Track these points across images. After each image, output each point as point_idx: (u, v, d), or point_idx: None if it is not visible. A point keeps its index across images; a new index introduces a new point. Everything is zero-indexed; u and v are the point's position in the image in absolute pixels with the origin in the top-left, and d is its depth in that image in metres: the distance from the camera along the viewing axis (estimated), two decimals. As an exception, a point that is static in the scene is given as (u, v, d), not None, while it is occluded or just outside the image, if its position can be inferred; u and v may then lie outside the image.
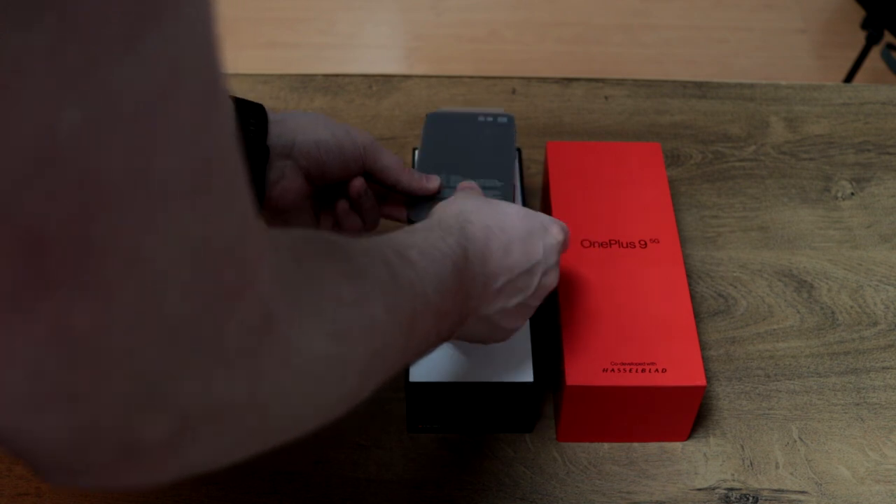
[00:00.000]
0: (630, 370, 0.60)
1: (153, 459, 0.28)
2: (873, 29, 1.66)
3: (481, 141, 0.70)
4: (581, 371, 0.60)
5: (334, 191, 0.65)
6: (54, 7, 0.20)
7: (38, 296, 0.22)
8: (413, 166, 0.71)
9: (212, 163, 0.26)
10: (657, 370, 0.59)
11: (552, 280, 0.55)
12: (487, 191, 0.64)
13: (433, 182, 0.65)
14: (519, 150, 0.74)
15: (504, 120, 0.71)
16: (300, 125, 0.61)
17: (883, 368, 0.69)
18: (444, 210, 0.53)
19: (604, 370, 0.60)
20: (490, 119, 0.71)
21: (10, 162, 0.20)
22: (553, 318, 0.68)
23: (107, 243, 0.23)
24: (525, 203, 0.70)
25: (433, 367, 0.61)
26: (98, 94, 0.21)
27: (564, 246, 0.57)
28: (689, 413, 0.62)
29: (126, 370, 0.25)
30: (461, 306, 0.48)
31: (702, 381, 0.59)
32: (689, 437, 0.64)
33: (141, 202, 0.23)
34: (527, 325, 0.63)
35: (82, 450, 0.26)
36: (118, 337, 0.24)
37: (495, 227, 0.52)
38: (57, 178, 0.21)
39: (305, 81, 0.90)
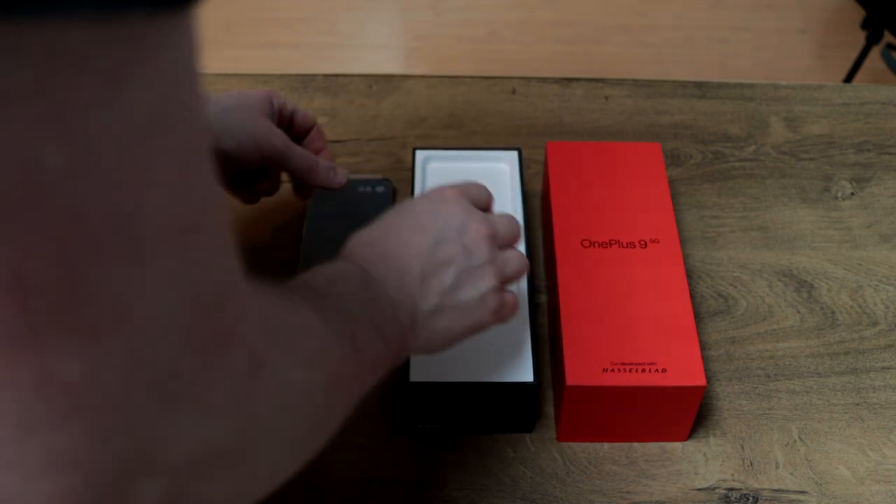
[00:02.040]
0: (630, 370, 0.60)
1: None
2: (873, 29, 1.66)
3: (360, 215, 0.72)
4: (581, 371, 0.60)
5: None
6: (42, 44, 0.20)
7: (25, 342, 0.22)
8: (303, 237, 0.75)
9: (200, 207, 0.25)
10: (657, 370, 0.59)
11: (475, 232, 0.51)
12: None
13: (340, 177, 0.68)
14: (519, 150, 0.75)
15: (381, 189, 0.77)
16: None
17: (883, 368, 0.69)
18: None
19: (604, 370, 0.60)
20: (369, 189, 0.77)
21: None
22: (553, 318, 0.68)
23: (95, 290, 0.22)
24: (525, 203, 0.70)
25: (433, 366, 0.61)
26: (80, 135, 0.21)
27: (469, 193, 0.54)
28: (689, 413, 0.62)
29: (119, 425, 0.24)
30: (396, 312, 0.47)
31: (702, 381, 0.59)
32: (689, 437, 0.64)
33: (129, 248, 0.23)
34: (527, 325, 0.63)
35: None
36: (109, 388, 0.23)
37: (378, 237, 0.51)
38: (39, 221, 0.21)
39: (305, 81, 0.90)
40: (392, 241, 0.50)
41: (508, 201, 0.72)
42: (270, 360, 0.31)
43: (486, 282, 0.51)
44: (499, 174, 0.75)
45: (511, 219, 0.56)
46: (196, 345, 0.26)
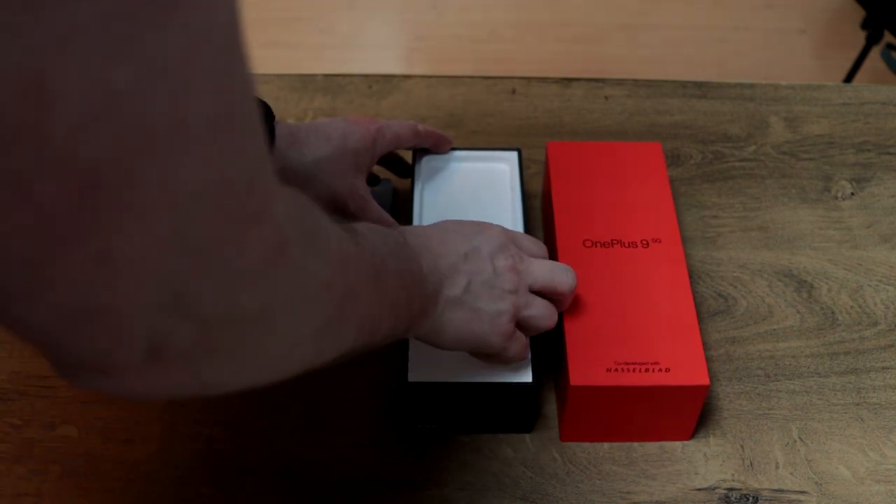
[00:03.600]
0: (633, 370, 0.60)
1: (174, 366, 0.32)
2: (873, 29, 1.66)
3: None
4: (585, 371, 0.60)
5: None
6: None
7: (89, 223, 0.25)
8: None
9: (234, 107, 0.29)
10: (661, 370, 0.59)
11: (504, 265, 0.56)
12: None
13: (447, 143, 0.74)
14: (519, 151, 0.75)
15: (381, 189, 0.77)
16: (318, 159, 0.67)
17: (883, 368, 0.69)
18: None
19: (607, 370, 0.60)
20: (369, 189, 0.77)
21: (69, 112, 0.23)
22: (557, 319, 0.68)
23: (148, 178, 0.26)
24: (525, 203, 0.70)
25: (433, 367, 0.61)
26: (145, 56, 0.24)
27: (516, 238, 0.60)
28: (692, 412, 0.62)
29: (156, 280, 0.28)
30: (424, 282, 0.51)
31: (705, 381, 0.59)
32: (691, 436, 0.64)
33: (177, 142, 0.26)
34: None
35: (108, 349, 0.29)
36: (151, 255, 0.27)
37: (420, 230, 0.56)
38: (112, 127, 0.24)
39: (305, 81, 0.90)
40: (433, 236, 0.55)
41: (508, 201, 0.72)
42: (295, 246, 0.35)
43: (504, 304, 0.56)
44: (499, 174, 0.75)
45: (558, 269, 0.59)
46: (229, 219, 0.30)
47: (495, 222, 0.60)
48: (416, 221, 0.69)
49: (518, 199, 0.70)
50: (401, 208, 0.78)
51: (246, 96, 0.30)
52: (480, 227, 0.58)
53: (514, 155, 0.74)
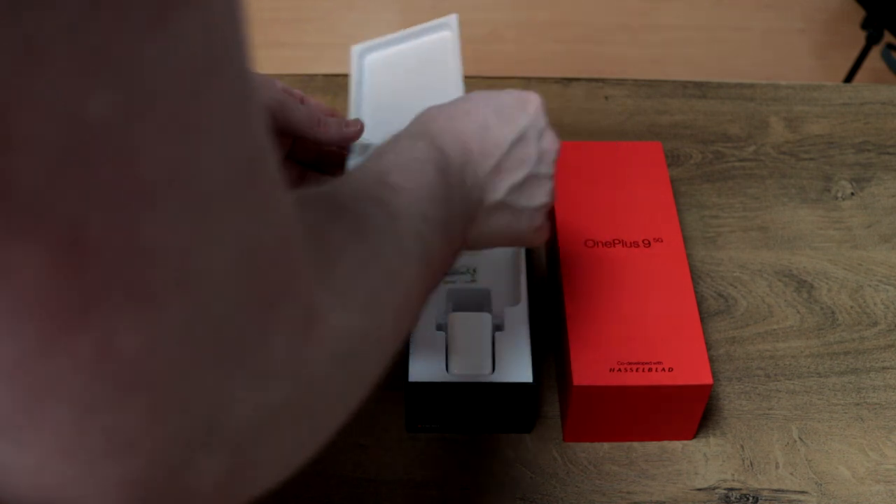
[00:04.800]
0: (636, 369, 0.60)
1: (211, 502, 0.26)
2: (873, 29, 1.66)
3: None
4: (588, 371, 0.60)
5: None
6: None
7: (83, 312, 0.20)
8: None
9: (255, 155, 0.24)
10: (663, 369, 0.59)
11: (550, 142, 0.51)
12: None
13: (353, 126, 0.61)
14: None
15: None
16: None
17: (883, 368, 0.69)
18: (421, 113, 0.50)
19: (610, 370, 0.60)
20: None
21: (37, 155, 0.19)
22: (558, 319, 0.68)
23: (152, 247, 0.21)
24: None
25: (433, 367, 0.61)
26: (127, 80, 0.19)
27: (544, 108, 0.53)
28: (695, 412, 0.62)
29: (179, 397, 0.23)
30: (465, 204, 0.46)
31: (708, 380, 0.59)
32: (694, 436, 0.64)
33: (186, 200, 0.21)
34: (526, 325, 0.63)
35: None
36: (168, 355, 0.22)
37: (460, 113, 0.49)
38: (91, 171, 0.19)
39: (305, 81, 0.90)
40: (475, 121, 0.48)
41: (455, 75, 0.68)
42: (328, 310, 0.29)
43: (545, 195, 0.51)
44: (440, 44, 0.72)
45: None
46: (253, 301, 0.25)
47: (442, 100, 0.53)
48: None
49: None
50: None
51: (265, 139, 0.25)
52: (522, 103, 0.51)
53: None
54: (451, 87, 0.65)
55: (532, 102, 0.51)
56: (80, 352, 0.21)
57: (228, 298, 0.24)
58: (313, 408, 0.30)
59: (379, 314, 0.34)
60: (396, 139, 0.46)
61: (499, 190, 0.48)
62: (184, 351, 0.23)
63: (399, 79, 0.67)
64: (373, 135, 0.63)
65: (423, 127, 0.47)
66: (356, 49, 0.70)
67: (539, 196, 0.51)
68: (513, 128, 0.49)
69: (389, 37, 0.69)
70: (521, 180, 0.49)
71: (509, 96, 0.51)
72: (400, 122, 0.50)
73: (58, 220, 0.19)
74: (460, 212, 0.46)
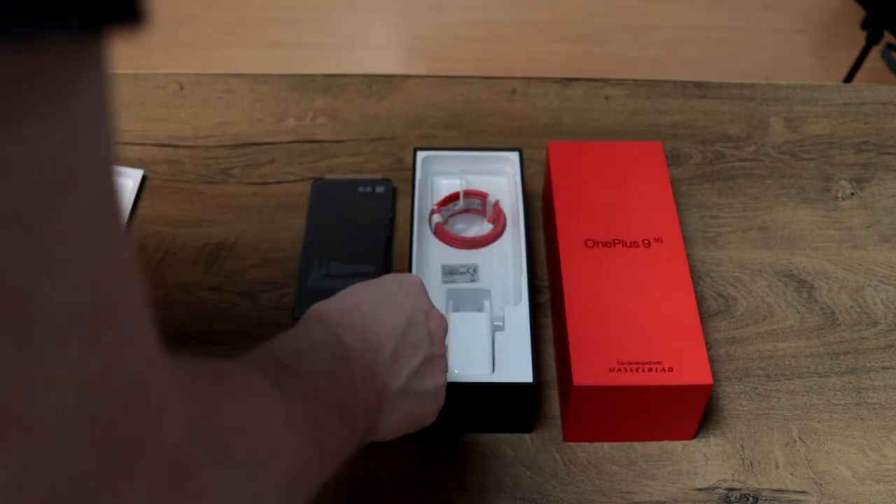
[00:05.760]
0: (636, 369, 0.60)
1: None
2: (873, 29, 1.66)
3: (360, 215, 0.76)
4: (588, 371, 0.60)
5: None
6: None
7: None
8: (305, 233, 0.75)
9: (113, 286, 0.21)
10: (663, 369, 0.59)
11: (437, 321, 0.51)
12: (363, 276, 0.63)
13: None
14: (520, 151, 0.74)
15: (381, 189, 0.78)
16: None
17: (883, 368, 0.69)
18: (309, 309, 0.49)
19: (610, 370, 0.60)
20: (369, 189, 0.78)
21: None
22: (558, 319, 0.68)
23: None
24: (526, 203, 0.70)
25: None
26: None
27: (424, 288, 0.53)
28: (695, 412, 0.62)
29: None
30: (368, 392, 0.45)
31: (708, 380, 0.59)
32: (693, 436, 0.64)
33: (19, 337, 0.18)
34: (527, 325, 0.63)
35: None
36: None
37: (351, 306, 0.48)
38: None
39: (305, 81, 0.90)
40: (366, 312, 0.48)
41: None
42: (201, 466, 0.27)
43: (442, 376, 0.51)
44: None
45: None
46: (105, 451, 0.22)
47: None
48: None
49: (519, 200, 0.70)
50: (399, 208, 0.78)
51: (128, 273, 0.22)
52: (405, 288, 0.51)
53: (514, 155, 0.74)
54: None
55: (413, 284, 0.51)
56: None
57: (72, 446, 0.21)
58: None
59: (262, 483, 0.32)
60: (297, 327, 0.45)
61: (399, 377, 0.47)
62: (26, 500, 0.20)
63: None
64: None
65: (318, 318, 0.46)
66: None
67: (438, 377, 0.50)
68: (401, 314, 0.49)
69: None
70: (418, 364, 0.49)
71: (392, 281, 0.51)
72: None
73: None
74: (364, 400, 0.44)
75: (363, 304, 0.49)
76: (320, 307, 0.48)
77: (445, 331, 0.52)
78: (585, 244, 0.67)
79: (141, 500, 0.23)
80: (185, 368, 0.29)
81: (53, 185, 0.18)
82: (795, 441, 0.65)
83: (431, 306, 0.52)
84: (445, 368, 0.52)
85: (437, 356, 0.51)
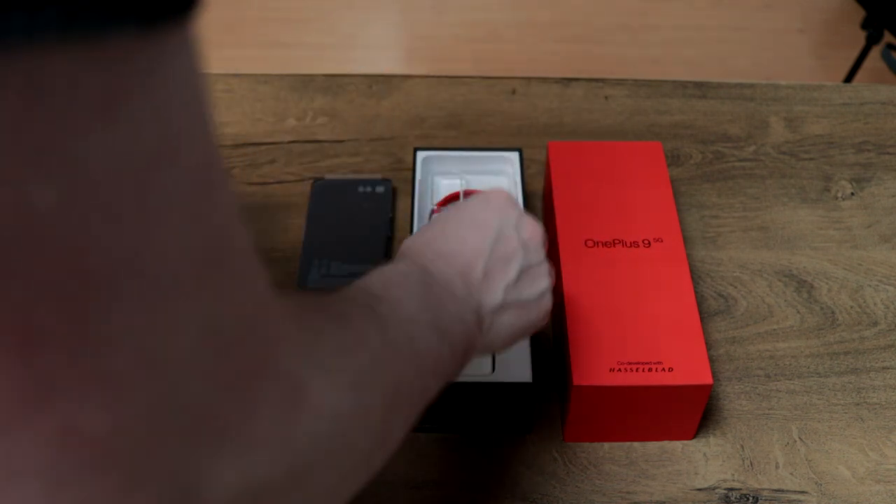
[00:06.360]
0: (636, 369, 0.60)
1: None
2: (873, 29, 1.66)
3: (360, 215, 0.76)
4: (588, 371, 0.60)
5: None
6: (20, 74, 0.18)
7: (40, 398, 0.20)
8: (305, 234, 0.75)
9: (219, 238, 0.24)
10: (663, 369, 0.59)
11: (531, 229, 0.51)
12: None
13: None
14: (520, 151, 0.75)
15: (381, 189, 0.78)
16: None
17: (883, 368, 0.69)
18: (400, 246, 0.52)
19: (610, 370, 0.60)
20: (369, 189, 0.78)
21: None
22: (558, 319, 0.68)
23: (108, 336, 0.21)
24: (526, 204, 0.70)
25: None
26: (72, 170, 0.19)
27: (512, 199, 0.53)
28: (695, 412, 0.62)
29: (154, 470, 0.23)
30: (461, 311, 0.46)
31: (708, 380, 0.59)
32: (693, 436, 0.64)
33: (141, 290, 0.21)
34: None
35: None
36: (138, 435, 0.22)
37: (436, 235, 0.50)
38: (38, 267, 0.19)
39: (305, 81, 0.90)
40: (450, 239, 0.49)
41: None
42: (315, 387, 0.30)
43: (544, 281, 0.51)
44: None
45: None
46: (226, 380, 0.25)
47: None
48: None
49: (519, 200, 0.70)
50: (399, 208, 0.78)
51: (232, 218, 0.25)
52: (490, 205, 0.51)
53: (514, 155, 0.74)
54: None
55: (497, 199, 0.52)
56: (43, 433, 0.21)
57: (197, 377, 0.24)
58: (304, 482, 0.30)
59: (367, 398, 0.34)
60: (379, 267, 0.46)
61: (495, 293, 0.48)
62: (153, 429, 0.23)
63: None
64: None
65: (401, 255, 0.49)
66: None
67: (539, 284, 0.51)
68: (487, 231, 0.49)
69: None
70: (514, 277, 0.49)
71: (475, 202, 0.52)
72: None
73: (10, 313, 0.19)
74: (459, 320, 0.45)
75: (447, 230, 0.50)
76: (406, 243, 0.50)
77: (542, 236, 0.52)
78: (585, 244, 0.67)
79: (265, 418, 0.26)
80: (291, 303, 0.32)
81: (155, 158, 0.21)
82: (795, 441, 0.65)
83: (522, 215, 0.51)
84: (547, 273, 0.52)
85: (536, 264, 0.51)
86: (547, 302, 0.52)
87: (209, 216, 0.24)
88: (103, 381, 0.21)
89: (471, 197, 0.53)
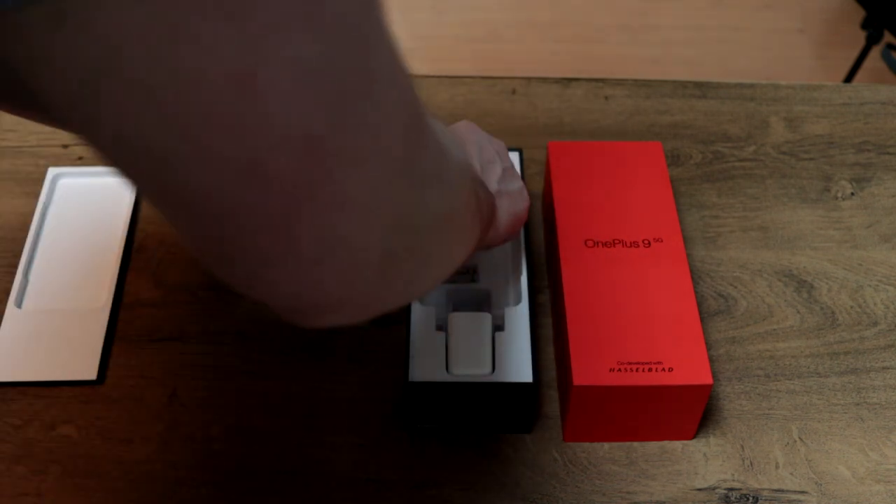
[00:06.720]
0: (636, 369, 0.60)
1: (395, 279, 0.35)
2: (873, 29, 1.66)
3: None
4: (588, 371, 0.60)
5: None
6: None
7: (322, 176, 0.28)
8: None
9: (397, 54, 0.31)
10: (664, 369, 0.59)
11: (497, 142, 0.63)
12: None
13: None
14: (520, 151, 0.74)
15: None
16: None
17: (883, 368, 0.69)
18: None
19: (610, 370, 0.60)
20: None
21: (278, 95, 0.25)
22: (558, 319, 0.68)
23: (357, 126, 0.29)
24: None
25: (433, 366, 0.61)
26: (329, 23, 0.26)
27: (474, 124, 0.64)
28: (695, 412, 0.62)
29: (385, 207, 0.32)
30: (486, 179, 0.57)
31: (708, 380, 0.59)
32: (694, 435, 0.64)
33: (371, 93, 0.29)
34: (526, 325, 0.63)
35: (350, 282, 0.32)
36: (378, 188, 0.31)
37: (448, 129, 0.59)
38: (314, 93, 0.26)
39: (305, 81, 0.90)
40: (459, 136, 0.59)
41: None
42: (448, 148, 0.38)
43: (518, 180, 0.62)
44: None
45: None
46: (411, 137, 0.33)
47: None
48: None
49: None
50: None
51: (397, 46, 0.33)
52: (457, 129, 0.61)
53: (514, 156, 0.74)
54: None
55: (465, 125, 0.62)
56: (322, 203, 0.29)
57: (406, 142, 0.32)
58: (456, 227, 0.40)
59: (452, 194, 0.41)
60: None
61: (492, 181, 0.58)
62: (391, 182, 0.32)
63: None
64: None
65: None
66: None
67: (517, 181, 0.62)
68: (471, 145, 0.60)
69: None
70: (500, 173, 0.60)
71: (449, 132, 0.62)
72: None
73: (295, 131, 0.27)
74: (484, 187, 0.53)
75: (448, 128, 0.59)
76: None
77: (506, 149, 0.65)
78: (585, 244, 0.67)
79: (430, 165, 0.36)
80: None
81: (378, 19, 0.29)
82: (795, 441, 0.65)
83: (487, 134, 0.63)
84: (517, 176, 0.63)
85: (509, 167, 0.62)
86: (526, 196, 0.63)
87: (391, 40, 0.31)
88: (355, 157, 0.30)
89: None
